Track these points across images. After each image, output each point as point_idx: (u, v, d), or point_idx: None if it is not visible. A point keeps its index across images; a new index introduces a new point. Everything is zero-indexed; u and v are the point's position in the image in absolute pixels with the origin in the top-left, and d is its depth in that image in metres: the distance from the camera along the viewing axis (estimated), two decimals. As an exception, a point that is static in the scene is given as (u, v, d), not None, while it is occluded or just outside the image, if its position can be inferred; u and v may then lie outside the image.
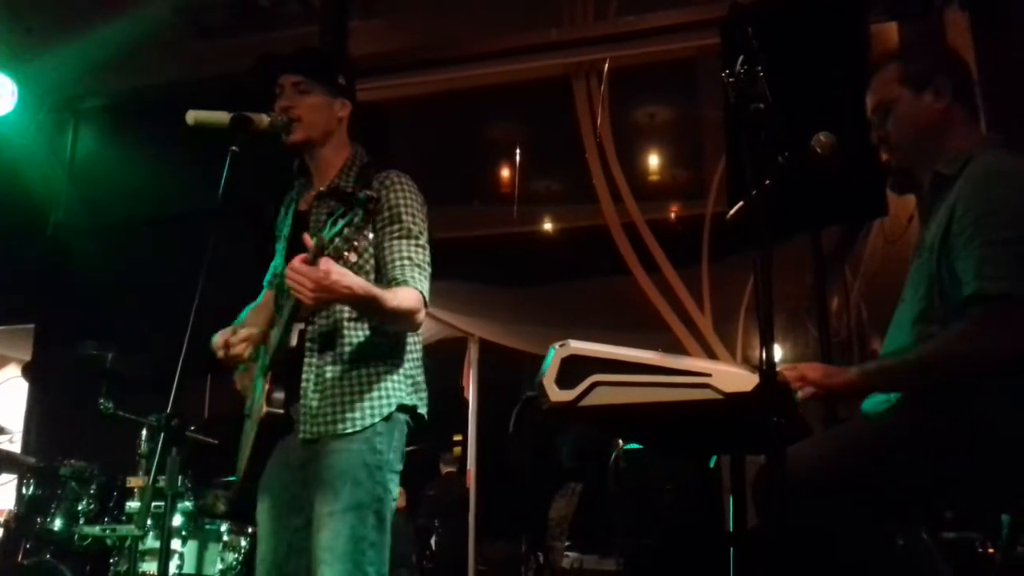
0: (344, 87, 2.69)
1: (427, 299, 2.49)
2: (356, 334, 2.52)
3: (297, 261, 2.19)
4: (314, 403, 2.47)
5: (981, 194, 2.07)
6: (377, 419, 2.48)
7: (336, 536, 2.36)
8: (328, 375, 2.49)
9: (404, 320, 2.47)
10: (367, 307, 2.38)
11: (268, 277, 2.85)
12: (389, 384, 2.53)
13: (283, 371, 2.49)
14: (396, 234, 2.51)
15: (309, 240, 2.20)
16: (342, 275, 2.22)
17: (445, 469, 8.72)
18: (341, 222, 2.14)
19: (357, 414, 2.47)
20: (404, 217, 2.52)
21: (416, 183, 2.65)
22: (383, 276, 2.50)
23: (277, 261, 2.73)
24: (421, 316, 2.49)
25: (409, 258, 2.49)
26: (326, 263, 2.18)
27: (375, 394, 2.50)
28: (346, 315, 2.51)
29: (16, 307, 6.76)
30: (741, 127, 2.03)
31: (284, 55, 2.72)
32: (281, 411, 2.46)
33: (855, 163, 2.54)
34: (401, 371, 2.57)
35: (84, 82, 6.35)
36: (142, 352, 4.50)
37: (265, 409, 2.44)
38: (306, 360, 2.50)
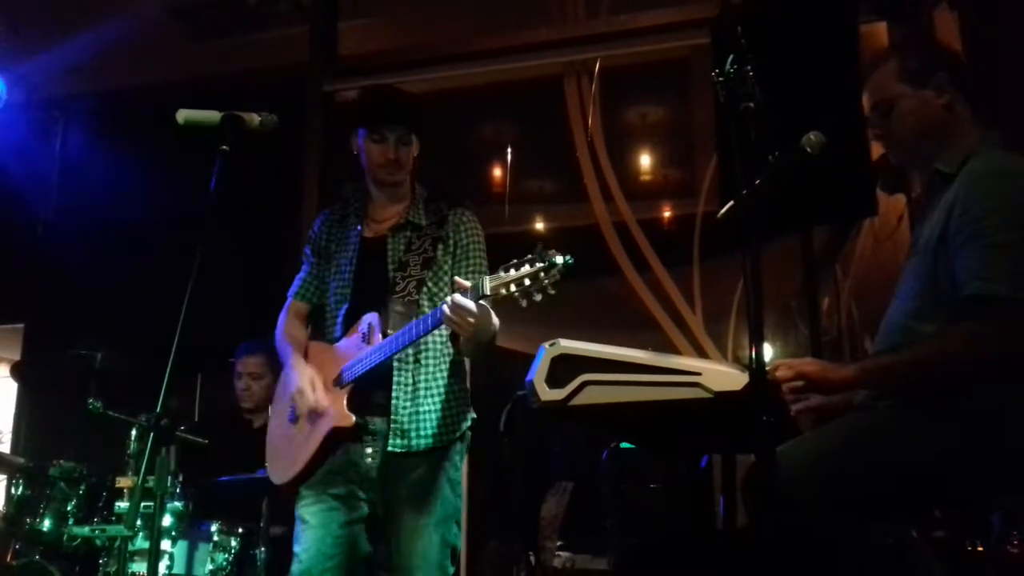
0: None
1: None
2: (443, 352, 2.76)
3: (460, 298, 2.38)
4: (404, 418, 2.66)
5: (980, 194, 2.06)
6: (457, 433, 2.74)
7: (431, 546, 2.63)
8: (420, 392, 2.69)
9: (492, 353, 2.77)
10: (491, 342, 2.68)
11: (297, 288, 2.95)
12: (464, 400, 2.81)
13: (364, 384, 2.66)
14: (472, 269, 2.77)
15: (464, 283, 2.41)
16: (493, 315, 2.55)
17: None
18: (506, 275, 2.32)
19: (444, 430, 2.70)
20: (478, 254, 2.82)
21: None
22: None
23: (339, 280, 2.82)
24: None
25: None
26: (485, 305, 2.42)
27: (458, 411, 2.77)
28: (436, 333, 2.69)
29: (5, 307, 6.71)
30: (731, 127, 2.03)
31: (402, 104, 2.89)
32: (362, 422, 2.66)
33: (845, 162, 2.55)
34: (467, 386, 2.84)
35: (73, 81, 6.32)
36: (132, 352, 4.47)
37: (354, 420, 2.63)
38: (395, 377, 2.67)
